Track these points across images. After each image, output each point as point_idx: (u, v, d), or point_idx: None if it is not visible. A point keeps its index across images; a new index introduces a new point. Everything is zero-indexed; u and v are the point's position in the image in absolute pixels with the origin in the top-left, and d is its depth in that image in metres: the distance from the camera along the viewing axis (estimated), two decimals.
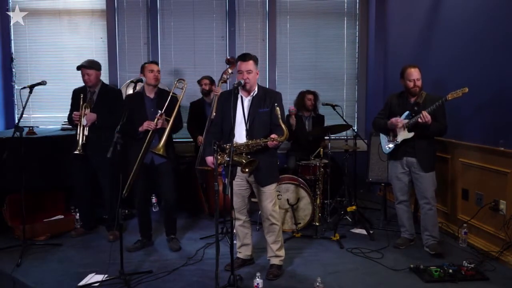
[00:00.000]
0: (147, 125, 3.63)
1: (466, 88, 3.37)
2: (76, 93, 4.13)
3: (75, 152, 3.89)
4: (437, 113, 3.52)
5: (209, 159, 3.29)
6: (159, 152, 3.56)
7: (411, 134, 3.62)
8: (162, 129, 3.65)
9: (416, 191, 3.74)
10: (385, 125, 3.76)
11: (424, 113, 3.45)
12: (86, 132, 3.96)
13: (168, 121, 3.67)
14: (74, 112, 3.99)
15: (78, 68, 4.04)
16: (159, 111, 3.65)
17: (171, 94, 3.78)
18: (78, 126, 3.96)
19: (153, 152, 3.59)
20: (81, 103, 3.99)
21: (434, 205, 3.65)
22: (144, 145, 3.60)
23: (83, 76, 4.03)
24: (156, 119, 3.62)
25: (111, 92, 4.20)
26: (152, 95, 3.77)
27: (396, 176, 3.79)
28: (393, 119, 3.69)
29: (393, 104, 3.83)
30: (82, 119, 3.94)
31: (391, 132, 3.77)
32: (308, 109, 5.10)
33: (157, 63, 3.87)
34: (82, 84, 4.11)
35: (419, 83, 3.65)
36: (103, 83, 4.18)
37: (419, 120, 3.47)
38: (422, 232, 3.72)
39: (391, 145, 3.77)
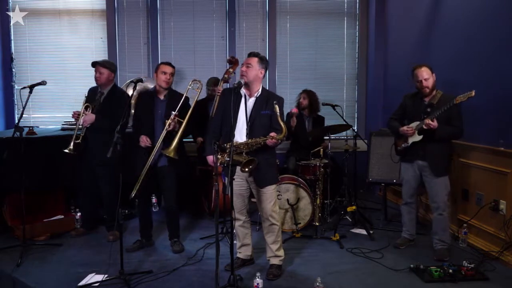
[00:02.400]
0: (144, 142, 3.58)
1: (472, 92, 3.25)
2: (90, 92, 4.15)
3: (65, 151, 3.84)
4: (452, 115, 3.42)
5: (210, 158, 3.29)
6: (170, 154, 3.47)
7: (420, 137, 3.53)
8: (174, 132, 3.57)
9: (428, 194, 3.69)
10: (397, 129, 3.68)
11: (427, 121, 3.37)
12: (82, 133, 3.93)
13: (180, 123, 3.57)
14: (74, 111, 3.97)
15: (93, 64, 4.03)
16: (172, 112, 3.53)
17: (184, 95, 3.70)
18: (76, 125, 3.95)
19: (165, 155, 3.52)
20: (84, 102, 3.99)
21: (445, 210, 3.55)
22: (155, 148, 3.57)
23: (95, 73, 4.02)
24: (168, 122, 3.52)
25: (117, 94, 4.15)
26: (162, 97, 3.73)
27: (405, 178, 3.75)
28: (404, 128, 3.61)
29: (408, 105, 3.72)
30: (80, 118, 3.93)
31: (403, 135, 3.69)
32: (301, 108, 5.06)
33: (172, 65, 3.77)
34: (85, 83, 4.11)
35: (427, 83, 3.52)
36: (114, 85, 4.14)
37: (424, 126, 3.40)
38: (432, 235, 3.67)
39: (402, 146, 3.69)
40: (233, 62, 4.58)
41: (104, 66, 4.00)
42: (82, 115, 3.94)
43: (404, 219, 3.86)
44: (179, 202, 3.90)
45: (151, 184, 3.83)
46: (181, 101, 3.64)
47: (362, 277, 3.25)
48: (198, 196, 4.79)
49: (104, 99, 4.04)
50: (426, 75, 3.52)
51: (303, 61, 6.05)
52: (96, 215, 4.37)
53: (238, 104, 3.16)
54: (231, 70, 4.55)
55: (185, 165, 3.91)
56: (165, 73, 3.68)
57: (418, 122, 3.56)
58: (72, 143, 3.88)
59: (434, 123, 3.37)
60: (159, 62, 3.81)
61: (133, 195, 3.63)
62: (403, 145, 3.69)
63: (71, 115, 3.98)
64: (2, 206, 4.20)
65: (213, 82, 4.87)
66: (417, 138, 3.56)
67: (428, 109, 3.53)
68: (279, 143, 3.07)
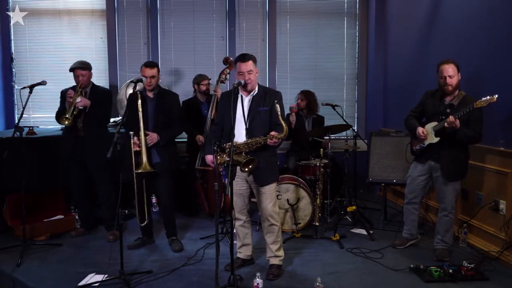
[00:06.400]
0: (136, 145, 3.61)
1: (494, 97, 3.07)
2: (64, 93, 4.12)
3: (66, 117, 3.83)
4: (471, 118, 3.27)
5: (209, 158, 3.29)
6: (145, 170, 3.53)
7: (436, 139, 3.42)
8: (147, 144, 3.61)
9: (437, 194, 3.65)
10: (414, 128, 3.56)
11: (451, 118, 3.21)
12: (76, 112, 3.92)
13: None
14: (69, 90, 3.96)
15: (71, 70, 4.03)
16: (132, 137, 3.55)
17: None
18: (69, 105, 3.90)
19: (141, 172, 3.55)
20: (78, 89, 3.99)
21: (452, 212, 3.52)
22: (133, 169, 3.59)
23: (76, 77, 4.01)
24: (133, 148, 3.55)
25: (102, 91, 4.20)
26: (151, 95, 3.77)
27: (412, 176, 3.69)
28: (420, 131, 3.49)
29: (427, 102, 3.57)
30: (77, 98, 3.91)
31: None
32: (300, 109, 5.07)
33: (152, 66, 3.72)
34: None
35: (451, 81, 3.35)
36: (93, 83, 4.18)
37: (446, 125, 3.26)
38: (435, 233, 3.66)
39: (418, 147, 3.62)
40: (229, 62, 4.59)
41: (84, 68, 4.02)
42: (79, 96, 3.93)
43: (406, 220, 3.84)
44: (174, 201, 3.93)
45: (150, 184, 3.84)
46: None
47: (362, 277, 3.25)
48: (198, 196, 4.78)
49: (89, 96, 4.06)
50: (451, 72, 3.35)
51: (303, 61, 6.04)
52: (94, 214, 4.37)
53: (235, 105, 3.12)
54: (227, 70, 4.56)
55: (175, 162, 3.96)
56: (145, 77, 3.67)
57: (435, 123, 3.44)
58: (69, 114, 3.86)
59: (457, 122, 3.22)
60: (143, 63, 3.77)
61: (146, 221, 3.76)
62: (418, 146, 3.61)
63: (67, 94, 3.94)
64: (2, 206, 4.20)
65: (206, 79, 4.86)
66: (434, 140, 3.44)
67: (448, 110, 3.40)
68: (280, 143, 3.07)
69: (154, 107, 3.73)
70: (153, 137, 3.62)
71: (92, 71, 4.15)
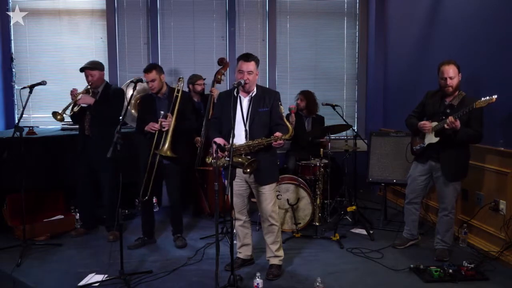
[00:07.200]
0: (150, 127, 3.64)
1: (493, 97, 3.08)
2: None
3: (58, 112, 3.85)
4: (471, 118, 3.29)
5: (218, 139, 3.06)
6: (165, 154, 3.58)
7: (436, 139, 3.43)
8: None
9: (437, 193, 3.65)
10: (416, 126, 3.56)
11: (451, 118, 3.22)
12: (76, 109, 3.97)
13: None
14: (74, 88, 4.00)
15: (82, 70, 4.04)
16: (164, 113, 3.60)
17: (177, 92, 3.74)
18: (72, 100, 3.95)
19: (160, 155, 3.60)
20: (86, 87, 4.05)
21: (452, 212, 3.52)
22: (152, 148, 3.63)
23: (86, 77, 4.03)
24: (159, 122, 3.61)
25: (112, 90, 4.20)
26: (161, 96, 3.80)
27: (413, 176, 3.69)
28: (421, 123, 3.50)
29: (428, 103, 3.58)
30: (79, 95, 3.94)
31: (420, 133, 3.59)
32: (299, 109, 5.07)
33: (149, 70, 3.71)
34: (83, 83, 4.11)
35: (452, 82, 3.35)
36: (107, 83, 4.19)
37: (446, 126, 3.27)
38: (435, 233, 3.66)
39: (418, 147, 3.62)
40: (224, 63, 4.60)
41: (94, 69, 4.02)
42: (81, 94, 3.95)
43: (407, 220, 3.84)
44: (183, 199, 3.94)
45: (156, 184, 3.85)
46: (178, 98, 3.71)
47: (362, 277, 3.25)
48: (198, 196, 4.79)
49: (100, 96, 4.07)
50: (452, 73, 3.34)
51: (303, 61, 6.05)
52: (95, 214, 4.37)
53: (235, 105, 3.10)
54: (222, 71, 4.57)
55: (188, 157, 3.97)
56: (147, 82, 3.72)
57: (435, 123, 3.44)
58: (67, 111, 3.90)
59: (457, 123, 3.22)
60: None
61: (147, 197, 3.72)
62: (418, 145, 3.62)
63: (70, 92, 3.98)
64: (2, 206, 4.20)
65: (201, 79, 4.89)
66: (434, 139, 3.45)
67: (448, 110, 3.40)
68: (284, 144, 3.06)
69: (167, 106, 3.74)
70: (170, 121, 3.65)
71: None
